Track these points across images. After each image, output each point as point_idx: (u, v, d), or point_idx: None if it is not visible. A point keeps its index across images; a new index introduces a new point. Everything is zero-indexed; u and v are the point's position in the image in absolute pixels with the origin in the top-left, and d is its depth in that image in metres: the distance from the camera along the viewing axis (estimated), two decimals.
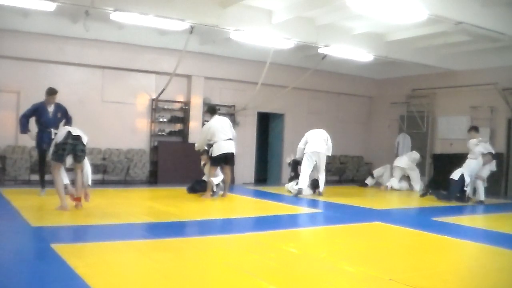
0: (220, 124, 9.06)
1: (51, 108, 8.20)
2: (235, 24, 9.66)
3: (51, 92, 8.22)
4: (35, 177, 10.39)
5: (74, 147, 6.78)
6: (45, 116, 8.13)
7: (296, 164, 11.15)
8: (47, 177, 8.55)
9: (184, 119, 12.51)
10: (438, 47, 11.80)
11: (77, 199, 6.95)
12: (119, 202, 8.32)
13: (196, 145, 9.57)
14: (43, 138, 8.07)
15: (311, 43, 10.79)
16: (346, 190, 12.33)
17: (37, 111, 8.18)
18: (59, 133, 6.94)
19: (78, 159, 6.86)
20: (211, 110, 9.53)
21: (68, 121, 8.26)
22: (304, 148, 10.49)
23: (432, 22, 9.09)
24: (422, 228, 6.66)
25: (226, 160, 9.08)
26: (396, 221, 7.19)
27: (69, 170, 7.47)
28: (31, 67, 10.57)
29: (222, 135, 8.96)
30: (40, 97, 8.31)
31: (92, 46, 10.95)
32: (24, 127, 8.19)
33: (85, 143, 6.90)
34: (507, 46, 10.64)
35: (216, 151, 8.89)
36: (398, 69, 14.20)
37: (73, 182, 7.38)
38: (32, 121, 8.28)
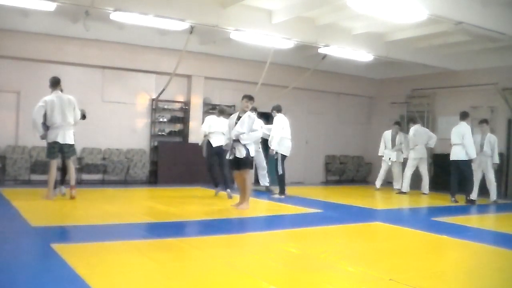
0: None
1: None
2: (235, 24, 9.66)
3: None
4: (35, 177, 10.43)
5: (61, 146, 7.62)
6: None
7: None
8: (44, 177, 8.69)
9: (184, 119, 12.51)
10: (438, 47, 11.79)
11: (72, 187, 7.74)
12: (119, 202, 8.32)
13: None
14: None
15: (311, 43, 10.79)
16: (346, 190, 12.33)
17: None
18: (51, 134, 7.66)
19: (66, 155, 7.75)
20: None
21: None
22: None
23: (432, 22, 9.10)
24: (422, 228, 6.66)
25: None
26: (396, 221, 7.19)
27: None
28: (31, 67, 10.57)
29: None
30: (40, 97, 8.29)
31: (92, 46, 10.95)
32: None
33: (72, 142, 7.73)
34: (507, 46, 10.64)
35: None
36: (398, 69, 14.19)
37: (67, 182, 7.97)
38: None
